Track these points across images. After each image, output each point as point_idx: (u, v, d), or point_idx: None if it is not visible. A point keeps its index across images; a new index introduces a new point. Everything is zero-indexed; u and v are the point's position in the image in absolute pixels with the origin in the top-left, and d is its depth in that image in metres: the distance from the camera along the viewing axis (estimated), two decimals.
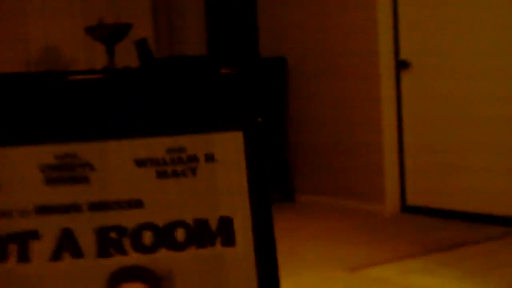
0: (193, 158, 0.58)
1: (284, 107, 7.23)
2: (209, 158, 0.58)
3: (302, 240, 5.36)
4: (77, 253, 0.55)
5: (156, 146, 0.58)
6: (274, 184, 7.05)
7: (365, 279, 4.27)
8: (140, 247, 0.55)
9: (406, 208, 6.22)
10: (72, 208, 0.56)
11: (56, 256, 0.55)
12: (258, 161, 0.58)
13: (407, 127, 6.20)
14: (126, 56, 6.23)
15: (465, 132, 5.74)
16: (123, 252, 0.55)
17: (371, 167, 6.43)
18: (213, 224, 0.55)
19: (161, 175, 0.58)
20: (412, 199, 6.19)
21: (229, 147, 0.58)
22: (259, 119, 0.59)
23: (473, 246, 4.99)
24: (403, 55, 6.15)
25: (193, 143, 0.58)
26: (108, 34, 5.48)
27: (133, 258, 0.55)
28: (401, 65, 6.16)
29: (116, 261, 0.55)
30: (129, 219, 0.56)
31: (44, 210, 0.56)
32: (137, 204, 0.56)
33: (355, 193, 6.59)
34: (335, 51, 6.70)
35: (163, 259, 0.55)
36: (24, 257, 0.54)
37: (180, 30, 7.93)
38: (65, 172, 0.57)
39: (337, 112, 6.71)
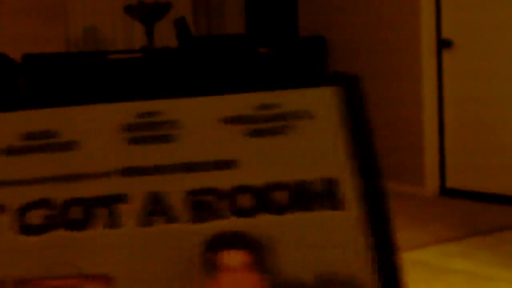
0: (288, 115, 0.53)
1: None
2: (306, 115, 0.53)
3: None
4: (170, 217, 0.50)
5: (244, 102, 0.53)
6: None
7: (404, 262, 4.21)
8: (238, 211, 0.50)
9: (446, 191, 6.13)
10: (159, 170, 0.51)
11: (146, 221, 0.50)
12: (361, 118, 0.53)
13: (448, 106, 6.09)
14: (165, 35, 6.19)
15: (507, 112, 5.64)
16: (220, 216, 0.50)
17: (411, 147, 6.34)
18: (316, 186, 0.50)
19: (253, 133, 0.53)
20: (452, 181, 6.10)
21: (328, 103, 0.53)
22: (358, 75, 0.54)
23: None
24: (445, 34, 6.05)
25: (288, 99, 0.53)
26: (148, 13, 5.45)
27: (231, 223, 0.50)
28: (444, 44, 6.05)
29: (213, 227, 0.50)
30: (223, 180, 0.51)
31: (129, 172, 0.51)
32: (230, 164, 0.52)
33: (394, 174, 6.52)
34: (376, 29, 6.61)
35: (264, 224, 0.50)
36: (112, 222, 0.50)
37: (219, 8, 7.89)
38: (149, 132, 0.53)
39: (377, 91, 6.63)
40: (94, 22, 6.96)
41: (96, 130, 0.52)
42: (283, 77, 0.53)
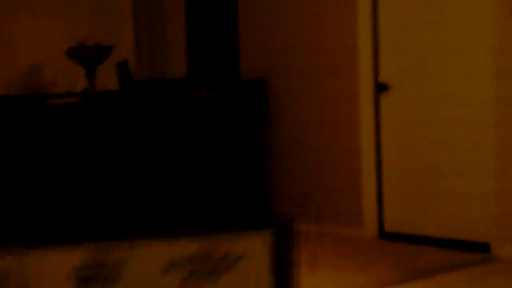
0: (225, 257, 0.59)
1: (263, 130, 7.26)
2: (239, 257, 0.59)
3: None
4: None
5: (186, 248, 0.59)
6: (250, 209, 7.04)
7: None
8: None
9: (385, 234, 6.25)
10: None
11: None
12: (285, 259, 0.59)
13: (386, 151, 6.24)
14: (107, 78, 6.22)
15: (444, 157, 5.79)
16: None
17: (350, 191, 6.46)
18: None
19: (191, 276, 0.59)
20: (390, 225, 6.23)
21: (260, 245, 0.59)
22: (290, 217, 0.60)
23: (452, 272, 5.02)
24: (382, 77, 6.20)
25: (225, 243, 0.59)
26: (89, 56, 5.49)
27: None
28: (381, 88, 6.20)
29: None
30: None
31: None
32: None
33: (333, 217, 6.62)
34: (315, 72, 6.76)
35: None
36: None
37: (161, 51, 7.96)
38: (96, 273, 0.58)
39: (316, 135, 6.75)
40: (36, 62, 6.96)
41: (45, 275, 0.57)
42: (222, 221, 0.59)
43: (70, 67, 6.88)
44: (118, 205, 4.42)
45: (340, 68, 6.51)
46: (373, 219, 6.30)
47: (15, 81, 6.82)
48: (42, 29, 7.28)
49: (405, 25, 6.02)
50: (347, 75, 6.44)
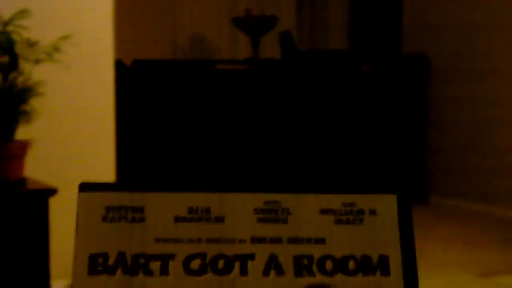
0: (361, 211, 0.83)
1: (424, 107, 7.23)
2: (372, 212, 0.83)
3: (434, 242, 5.40)
4: (280, 272, 0.81)
5: (334, 200, 0.84)
6: (408, 184, 7.09)
7: (496, 286, 4.32)
8: (323, 271, 0.81)
9: None
10: (276, 240, 0.82)
11: (266, 272, 0.81)
12: (406, 216, 0.83)
13: None
14: (270, 47, 6.48)
15: None
16: (312, 273, 0.81)
17: (510, 172, 6.38)
18: (375, 259, 0.81)
19: (338, 221, 0.83)
20: None
21: (386, 205, 0.83)
22: (408, 186, 0.83)
23: None
24: None
25: (361, 200, 0.84)
26: (255, 25, 5.75)
27: (319, 278, 0.81)
28: None
29: (307, 280, 0.81)
30: (316, 251, 0.82)
31: (257, 240, 0.82)
32: (322, 241, 0.82)
33: (491, 197, 6.55)
34: (480, 52, 6.64)
35: (339, 281, 0.81)
36: (244, 272, 0.81)
37: (323, 23, 8.06)
38: (271, 214, 0.83)
39: (478, 114, 6.67)
40: (201, 30, 7.30)
41: (236, 210, 0.83)
42: (360, 185, 0.82)
43: (234, 36, 7.19)
44: (277, 164, 4.69)
45: (507, 48, 6.38)
46: None
47: (183, 48, 7.19)
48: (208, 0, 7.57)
49: None
50: None
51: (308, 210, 0.83)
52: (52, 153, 3.94)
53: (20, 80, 3.26)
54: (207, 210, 0.83)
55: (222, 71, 5.36)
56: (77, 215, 0.83)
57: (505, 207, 6.39)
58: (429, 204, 7.10)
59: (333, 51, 7.25)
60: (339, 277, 0.81)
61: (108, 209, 0.84)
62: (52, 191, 3.14)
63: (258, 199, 0.84)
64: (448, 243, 5.36)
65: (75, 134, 3.98)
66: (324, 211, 0.84)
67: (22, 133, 3.33)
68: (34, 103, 3.31)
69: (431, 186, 7.18)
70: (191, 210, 0.83)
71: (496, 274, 4.49)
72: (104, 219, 0.84)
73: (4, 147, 3.19)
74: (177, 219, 0.83)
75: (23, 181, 3.24)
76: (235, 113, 5.22)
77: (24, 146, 3.26)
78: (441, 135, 7.09)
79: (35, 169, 3.61)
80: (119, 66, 4.78)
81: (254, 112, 5.27)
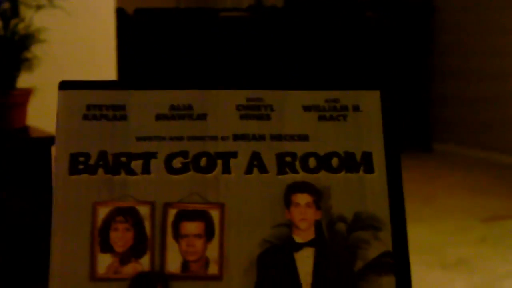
0: (344, 108, 0.82)
1: (429, 56, 7.19)
2: (356, 108, 0.82)
3: (440, 188, 5.41)
4: (263, 169, 0.79)
5: (318, 97, 0.82)
6: (412, 132, 7.08)
7: (502, 230, 4.32)
8: (307, 169, 0.79)
9: None
10: (259, 137, 0.80)
11: (248, 170, 0.79)
12: (390, 113, 0.81)
13: None
14: None
15: None
16: (295, 171, 0.79)
17: None
18: (358, 156, 0.79)
19: (321, 118, 0.82)
20: None
21: (370, 101, 0.81)
22: (393, 82, 0.81)
23: None
24: None
25: (345, 96, 0.82)
26: None
27: (302, 176, 0.79)
28: None
29: (290, 177, 0.79)
30: (299, 148, 0.80)
31: (239, 137, 0.80)
32: (305, 138, 0.81)
33: (496, 145, 6.54)
34: (488, 3, 6.59)
35: (323, 178, 0.79)
36: (226, 170, 0.79)
37: None
38: (254, 111, 0.82)
39: (484, 64, 6.63)
40: None
41: (219, 107, 0.81)
42: (343, 80, 0.80)
43: None
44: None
45: None
46: None
47: None
48: None
49: None
50: None
51: (291, 107, 0.82)
52: (54, 101, 3.93)
53: (21, 26, 3.23)
54: (189, 107, 0.81)
55: (226, 18, 5.33)
56: (57, 114, 0.82)
57: (508, 154, 6.39)
58: (433, 152, 7.11)
59: None
60: (322, 174, 0.80)
61: (89, 107, 0.83)
62: (54, 139, 3.13)
63: (241, 95, 0.82)
64: (453, 190, 5.37)
65: None
66: (307, 108, 0.82)
67: (24, 81, 3.31)
68: (36, 50, 3.29)
69: (435, 134, 7.18)
70: (173, 107, 0.81)
71: (500, 219, 4.50)
72: (85, 117, 0.83)
73: (6, 95, 3.17)
74: (159, 117, 0.81)
75: (26, 129, 3.23)
76: (236, 56, 5.19)
77: (26, 93, 3.25)
78: (445, 84, 7.06)
79: (37, 117, 3.60)
80: (121, 14, 4.75)
81: (254, 56, 5.24)
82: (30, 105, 3.27)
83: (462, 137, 6.82)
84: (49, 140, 3.12)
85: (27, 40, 3.22)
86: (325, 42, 5.44)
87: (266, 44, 5.34)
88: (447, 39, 6.95)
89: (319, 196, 0.79)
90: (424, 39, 7.07)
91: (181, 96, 0.81)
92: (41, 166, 3.04)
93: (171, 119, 0.81)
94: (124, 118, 0.82)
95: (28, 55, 3.23)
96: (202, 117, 0.81)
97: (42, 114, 3.60)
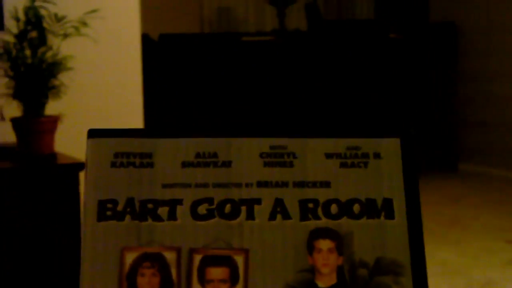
0: (365, 155, 0.84)
1: (453, 73, 7.17)
2: (376, 155, 0.84)
3: (465, 209, 5.39)
4: (286, 216, 0.81)
5: (339, 144, 0.84)
6: (438, 154, 7.06)
7: None
8: (329, 215, 0.81)
9: None
10: (282, 184, 0.83)
11: (272, 217, 0.82)
12: (410, 159, 0.83)
13: None
14: (295, 18, 6.47)
15: None
16: (317, 217, 0.81)
17: None
18: (379, 203, 0.81)
19: (343, 165, 0.84)
20: None
21: (390, 148, 0.84)
22: (412, 130, 0.83)
23: None
24: None
25: (366, 144, 0.84)
26: None
27: (324, 222, 0.81)
28: None
29: (313, 224, 0.81)
30: (321, 195, 0.82)
31: (263, 184, 0.83)
32: (327, 184, 0.83)
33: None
34: (509, 20, 6.57)
35: (344, 224, 0.81)
36: (250, 216, 0.81)
37: None
38: (277, 158, 0.84)
39: (508, 88, 6.62)
40: (228, 2, 7.30)
41: (243, 155, 0.83)
42: (364, 128, 0.83)
43: (260, 7, 7.18)
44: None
45: None
46: None
47: (209, 21, 7.19)
48: None
49: None
50: None
51: (313, 154, 0.84)
52: (80, 127, 3.97)
53: (49, 55, 3.28)
54: (214, 155, 0.83)
55: (249, 42, 5.37)
56: (86, 162, 0.84)
57: None
58: (458, 172, 7.08)
59: (360, 21, 7.22)
60: (344, 220, 0.82)
61: (117, 155, 0.85)
62: (82, 165, 3.18)
63: (264, 143, 0.84)
64: (478, 210, 5.35)
65: (103, 108, 4.01)
66: (329, 155, 0.84)
67: (51, 107, 3.36)
68: (63, 78, 3.33)
69: (461, 155, 7.16)
70: (198, 155, 0.84)
71: None
72: (113, 165, 0.85)
73: (35, 122, 3.22)
74: (185, 164, 0.84)
75: (54, 155, 3.27)
76: (259, 80, 5.24)
77: (54, 120, 3.29)
78: (471, 107, 7.03)
79: (65, 143, 3.64)
80: (146, 40, 4.80)
81: (278, 80, 5.28)
82: (58, 130, 3.31)
83: (488, 157, 6.79)
84: (77, 166, 3.15)
85: (54, 68, 3.27)
86: (350, 65, 5.46)
87: (291, 70, 5.37)
88: (472, 63, 6.92)
89: (341, 241, 0.81)
90: (449, 62, 7.03)
91: (206, 144, 0.84)
92: (69, 191, 3.08)
93: (197, 166, 0.83)
94: (151, 165, 0.85)
95: (55, 82, 3.27)
96: (227, 164, 0.83)
97: (69, 141, 3.64)
